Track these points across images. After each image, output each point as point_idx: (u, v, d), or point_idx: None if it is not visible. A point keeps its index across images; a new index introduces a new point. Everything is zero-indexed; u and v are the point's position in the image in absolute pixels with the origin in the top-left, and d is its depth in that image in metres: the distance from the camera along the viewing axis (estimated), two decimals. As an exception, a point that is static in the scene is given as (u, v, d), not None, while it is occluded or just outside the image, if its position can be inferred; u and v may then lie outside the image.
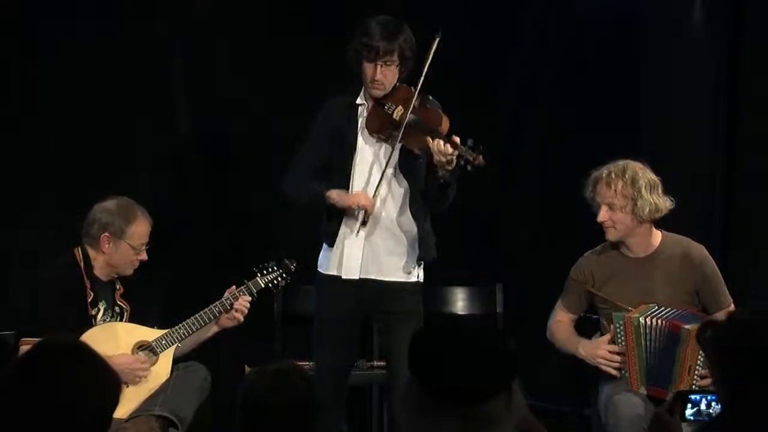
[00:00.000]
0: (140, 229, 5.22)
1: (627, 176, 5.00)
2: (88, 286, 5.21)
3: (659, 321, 4.89)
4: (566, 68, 6.60)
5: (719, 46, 6.30)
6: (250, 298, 5.31)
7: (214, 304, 5.28)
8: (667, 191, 5.06)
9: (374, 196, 5.08)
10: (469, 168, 4.93)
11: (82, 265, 5.22)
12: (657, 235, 5.10)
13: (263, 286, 5.36)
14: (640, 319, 4.90)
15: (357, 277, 5.14)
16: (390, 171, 5.13)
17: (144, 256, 5.24)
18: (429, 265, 5.27)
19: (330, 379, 5.17)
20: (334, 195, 5.11)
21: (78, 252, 5.25)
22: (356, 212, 5.10)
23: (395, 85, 5.15)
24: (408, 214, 5.17)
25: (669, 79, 6.36)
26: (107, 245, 5.20)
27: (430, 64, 5.08)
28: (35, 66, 6.29)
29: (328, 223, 5.19)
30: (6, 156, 6.28)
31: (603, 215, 5.03)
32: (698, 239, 5.23)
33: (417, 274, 5.23)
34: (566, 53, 6.61)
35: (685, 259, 5.06)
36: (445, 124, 5.06)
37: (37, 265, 5.46)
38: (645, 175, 5.02)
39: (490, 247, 6.61)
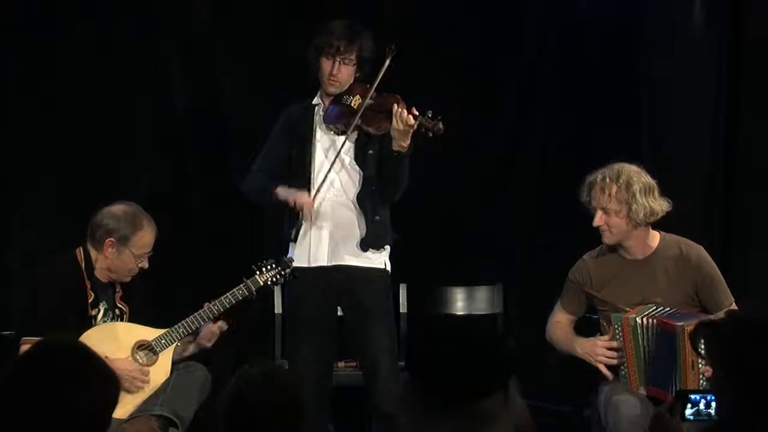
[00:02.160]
0: (145, 238, 5.21)
1: (621, 180, 4.98)
2: (89, 286, 5.20)
3: (654, 321, 4.89)
4: (566, 68, 6.60)
5: (719, 46, 6.30)
6: (223, 327, 5.30)
7: (213, 303, 5.27)
8: (666, 191, 5.04)
9: (314, 196, 5.24)
10: (430, 135, 5.10)
11: (83, 265, 5.22)
12: (655, 236, 5.09)
13: (262, 284, 5.36)
14: (637, 319, 4.90)
15: (326, 263, 5.29)
16: (346, 159, 5.29)
17: (145, 264, 5.23)
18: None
19: (312, 378, 5.20)
20: (279, 190, 5.28)
21: (80, 252, 5.24)
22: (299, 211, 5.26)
23: (351, 84, 5.32)
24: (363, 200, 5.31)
25: (669, 79, 6.36)
26: (110, 250, 5.19)
27: (383, 74, 5.21)
28: (35, 66, 6.29)
29: (292, 223, 5.31)
30: (6, 156, 6.28)
31: (598, 220, 5.03)
32: (698, 239, 5.22)
33: (383, 261, 5.34)
34: (566, 53, 6.60)
35: (682, 259, 5.05)
36: (402, 102, 5.16)
37: (37, 265, 5.45)
38: (640, 178, 5.00)
39: (490, 247, 6.61)
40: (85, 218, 5.28)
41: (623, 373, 4.97)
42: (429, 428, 2.36)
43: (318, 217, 5.29)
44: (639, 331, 4.90)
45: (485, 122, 6.57)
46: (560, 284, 5.22)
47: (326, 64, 5.29)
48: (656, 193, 5.00)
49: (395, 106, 5.12)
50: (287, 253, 5.37)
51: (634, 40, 6.46)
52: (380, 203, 5.33)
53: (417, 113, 5.11)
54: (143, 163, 6.45)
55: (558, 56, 6.64)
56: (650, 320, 4.89)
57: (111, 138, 6.35)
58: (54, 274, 5.22)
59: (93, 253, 5.23)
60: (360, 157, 5.31)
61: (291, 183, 5.32)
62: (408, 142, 5.14)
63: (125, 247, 5.18)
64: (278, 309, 6.13)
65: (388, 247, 5.37)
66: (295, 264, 5.33)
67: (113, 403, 2.63)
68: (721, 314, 4.75)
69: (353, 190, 5.31)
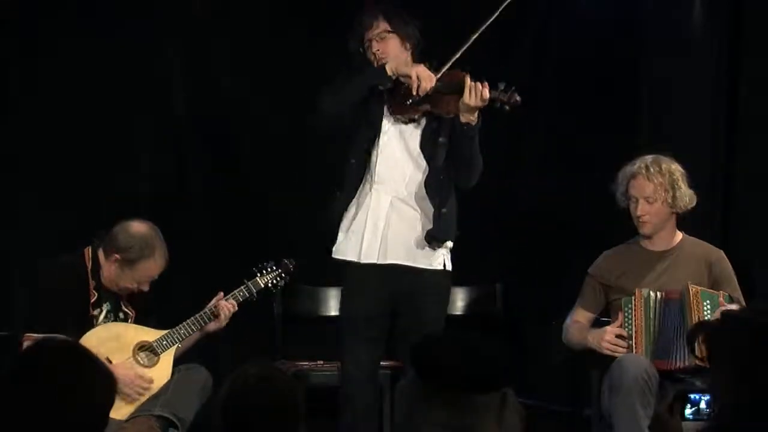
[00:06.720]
0: (150, 270, 5.19)
1: (664, 169, 5.08)
2: (92, 286, 5.20)
3: (662, 294, 4.95)
4: (566, 68, 6.59)
5: (719, 46, 6.30)
6: (234, 303, 5.29)
7: (212, 304, 5.27)
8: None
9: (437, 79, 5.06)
10: (506, 108, 5.00)
11: (89, 265, 5.21)
12: (678, 234, 5.16)
13: (263, 286, 5.36)
14: (651, 292, 4.95)
15: (377, 261, 5.09)
16: (414, 149, 5.13)
17: (145, 288, 5.22)
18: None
19: (363, 378, 5.12)
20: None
21: (88, 251, 5.24)
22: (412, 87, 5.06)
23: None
24: (425, 195, 5.12)
25: (669, 79, 6.36)
26: (113, 265, 5.18)
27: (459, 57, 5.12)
28: (35, 66, 6.29)
29: (339, 200, 5.14)
30: (6, 155, 6.29)
31: (642, 209, 5.07)
32: (698, 239, 5.23)
33: (442, 261, 5.15)
34: (566, 53, 6.60)
35: (703, 258, 5.12)
36: (468, 77, 5.04)
37: (37, 264, 5.45)
38: (678, 167, 5.13)
39: (490, 247, 6.60)
40: (85, 218, 5.28)
41: (630, 343, 4.98)
42: (422, 414, 2.40)
43: (376, 211, 5.10)
44: (651, 305, 4.95)
45: (485, 122, 6.55)
46: (561, 284, 5.23)
47: (369, 53, 5.18)
48: (688, 181, 5.10)
49: (467, 80, 4.99)
50: (335, 241, 5.18)
51: (634, 40, 6.46)
52: (448, 195, 5.14)
53: (488, 86, 5.00)
54: (143, 162, 6.45)
55: (558, 56, 6.63)
56: (661, 294, 4.93)
57: (111, 138, 6.34)
58: (56, 272, 5.22)
59: (101, 256, 5.22)
60: (428, 148, 5.13)
61: (349, 162, 5.16)
62: (476, 114, 5.02)
63: (128, 268, 5.16)
64: (278, 309, 6.13)
65: (450, 244, 5.17)
66: (343, 257, 5.13)
67: (110, 404, 2.64)
68: (717, 314, 4.76)
69: (417, 183, 5.12)
